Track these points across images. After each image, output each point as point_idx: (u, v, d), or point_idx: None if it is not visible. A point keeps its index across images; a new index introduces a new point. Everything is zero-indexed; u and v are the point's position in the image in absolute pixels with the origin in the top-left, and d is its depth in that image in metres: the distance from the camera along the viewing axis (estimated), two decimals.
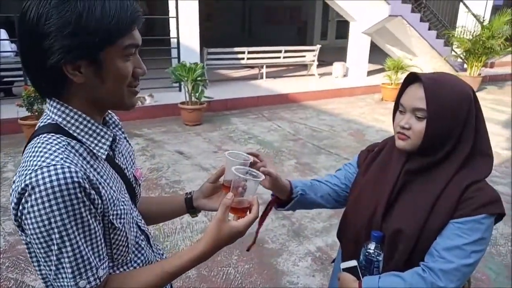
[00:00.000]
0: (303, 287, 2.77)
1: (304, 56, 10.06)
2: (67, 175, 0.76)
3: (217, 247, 0.92)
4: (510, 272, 2.98)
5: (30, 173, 0.76)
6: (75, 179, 0.77)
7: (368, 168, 1.33)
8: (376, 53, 10.78)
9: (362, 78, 10.07)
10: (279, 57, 9.62)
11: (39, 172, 0.76)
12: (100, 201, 0.82)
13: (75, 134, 0.86)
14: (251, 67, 10.33)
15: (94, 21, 0.77)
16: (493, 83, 10.83)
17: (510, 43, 9.64)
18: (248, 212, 0.97)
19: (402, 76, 7.71)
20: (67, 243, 0.77)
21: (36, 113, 5.13)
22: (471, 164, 1.15)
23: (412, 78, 1.17)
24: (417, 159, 1.17)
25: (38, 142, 0.82)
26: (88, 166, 0.85)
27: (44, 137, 0.83)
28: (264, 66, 9.56)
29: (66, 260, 0.78)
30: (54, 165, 0.76)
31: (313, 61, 10.02)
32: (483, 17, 10.21)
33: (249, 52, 9.22)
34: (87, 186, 0.79)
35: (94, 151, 0.88)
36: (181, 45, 7.77)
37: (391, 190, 1.19)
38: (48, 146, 0.80)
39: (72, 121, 0.86)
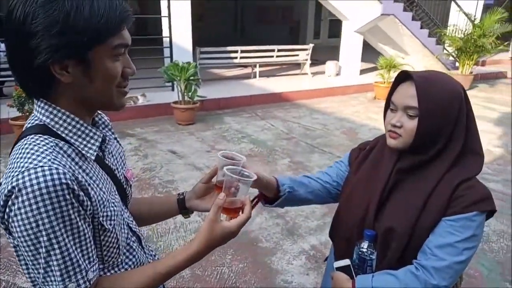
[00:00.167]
0: (297, 286, 2.77)
1: (297, 55, 10.08)
2: (55, 176, 0.75)
3: (209, 248, 0.91)
4: (503, 268, 3.00)
5: (17, 175, 0.75)
6: (63, 181, 0.75)
7: (359, 167, 1.33)
8: (369, 52, 10.83)
9: (355, 77, 10.10)
10: (272, 56, 9.62)
11: (26, 174, 0.74)
12: (89, 203, 0.81)
13: (63, 135, 0.85)
14: (244, 66, 10.32)
15: (82, 20, 0.76)
16: (485, 81, 10.92)
17: (501, 41, 9.72)
18: (240, 212, 0.96)
19: (394, 75, 7.72)
20: (56, 246, 0.76)
21: (27, 114, 5.09)
22: (462, 162, 1.15)
23: (404, 76, 1.17)
24: (408, 157, 1.17)
25: (25, 144, 0.81)
26: (77, 167, 0.83)
27: (32, 138, 0.82)
28: (257, 65, 9.55)
29: (55, 263, 0.77)
30: (42, 166, 0.75)
31: (306, 60, 10.04)
32: (475, 16, 10.28)
33: (242, 51, 9.22)
34: (75, 187, 0.77)
35: (83, 152, 0.86)
36: (173, 44, 7.73)
37: (383, 189, 1.19)
38: (36, 148, 0.79)
39: (60, 121, 0.85)
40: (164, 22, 7.77)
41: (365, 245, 1.17)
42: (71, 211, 0.77)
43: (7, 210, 0.76)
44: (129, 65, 0.89)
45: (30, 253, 0.77)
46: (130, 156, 5.03)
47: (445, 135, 1.13)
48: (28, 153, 0.78)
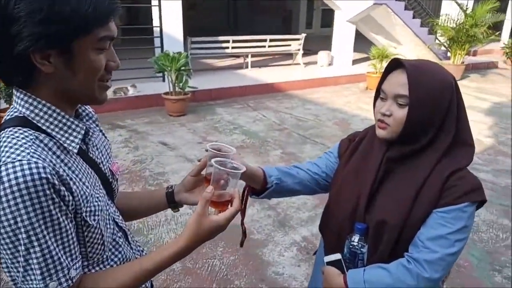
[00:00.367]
0: (289, 277, 2.77)
1: (289, 45, 10.01)
2: (34, 170, 0.72)
3: (198, 242, 0.89)
4: (492, 258, 3.03)
5: None
6: (43, 175, 0.72)
7: (349, 159, 1.31)
8: (361, 42, 10.79)
9: (347, 67, 10.08)
10: (264, 46, 9.54)
11: (3, 168, 0.71)
12: (71, 198, 0.78)
13: (44, 128, 0.81)
14: (236, 56, 10.24)
15: (69, 8, 0.73)
16: (476, 71, 10.96)
17: (492, 31, 9.75)
18: (229, 206, 0.94)
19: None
20: (35, 243, 0.73)
21: None
22: (453, 153, 1.14)
23: (395, 65, 1.15)
24: (398, 147, 1.16)
25: (3, 137, 0.77)
26: (58, 161, 0.80)
27: (10, 131, 0.78)
28: (249, 55, 9.49)
29: (35, 261, 0.74)
30: (20, 160, 0.72)
31: (298, 50, 9.98)
32: (467, 6, 10.28)
33: (233, 41, 9.12)
34: (56, 182, 0.74)
35: (65, 145, 0.83)
36: (164, 34, 7.62)
37: (374, 180, 1.18)
38: (14, 141, 0.76)
39: (41, 113, 0.81)
40: (155, 11, 7.64)
41: (356, 238, 1.16)
42: (51, 207, 0.74)
43: None
44: (113, 58, 0.86)
45: (8, 251, 0.74)
46: (121, 148, 4.98)
47: (435, 125, 1.12)
48: (6, 146, 0.75)
